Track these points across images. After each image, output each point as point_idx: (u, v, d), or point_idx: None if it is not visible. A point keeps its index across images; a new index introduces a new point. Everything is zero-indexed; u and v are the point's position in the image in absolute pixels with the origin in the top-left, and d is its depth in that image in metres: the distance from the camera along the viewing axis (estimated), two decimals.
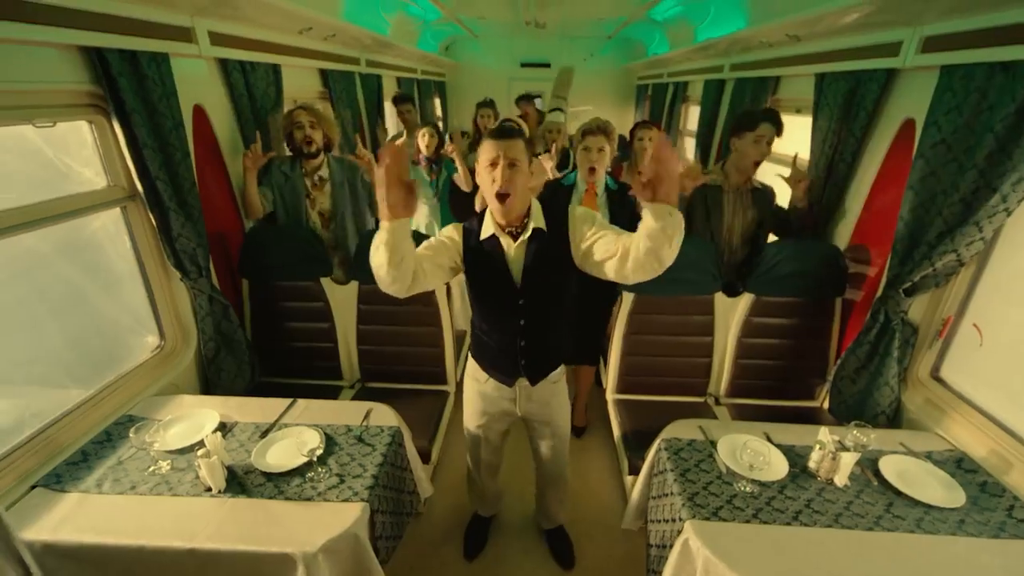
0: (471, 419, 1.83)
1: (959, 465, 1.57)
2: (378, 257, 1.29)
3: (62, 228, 1.68)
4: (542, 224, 1.48)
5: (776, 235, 2.44)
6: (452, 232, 1.53)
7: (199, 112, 2.11)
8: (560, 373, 1.75)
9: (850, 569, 1.22)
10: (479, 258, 1.51)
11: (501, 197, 1.38)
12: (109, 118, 1.70)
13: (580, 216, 1.49)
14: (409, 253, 1.31)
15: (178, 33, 1.88)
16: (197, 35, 1.96)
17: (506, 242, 1.48)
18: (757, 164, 2.28)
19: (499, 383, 1.69)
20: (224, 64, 2.23)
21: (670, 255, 1.23)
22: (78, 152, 1.75)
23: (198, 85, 2.10)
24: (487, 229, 1.49)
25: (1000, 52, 1.45)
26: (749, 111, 2.52)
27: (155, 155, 1.78)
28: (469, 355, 1.77)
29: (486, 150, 1.39)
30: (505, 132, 1.40)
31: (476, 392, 1.77)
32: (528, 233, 1.47)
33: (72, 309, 1.84)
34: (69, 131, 1.72)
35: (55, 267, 1.77)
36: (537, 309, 1.56)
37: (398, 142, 1.22)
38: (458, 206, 3.47)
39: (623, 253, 1.32)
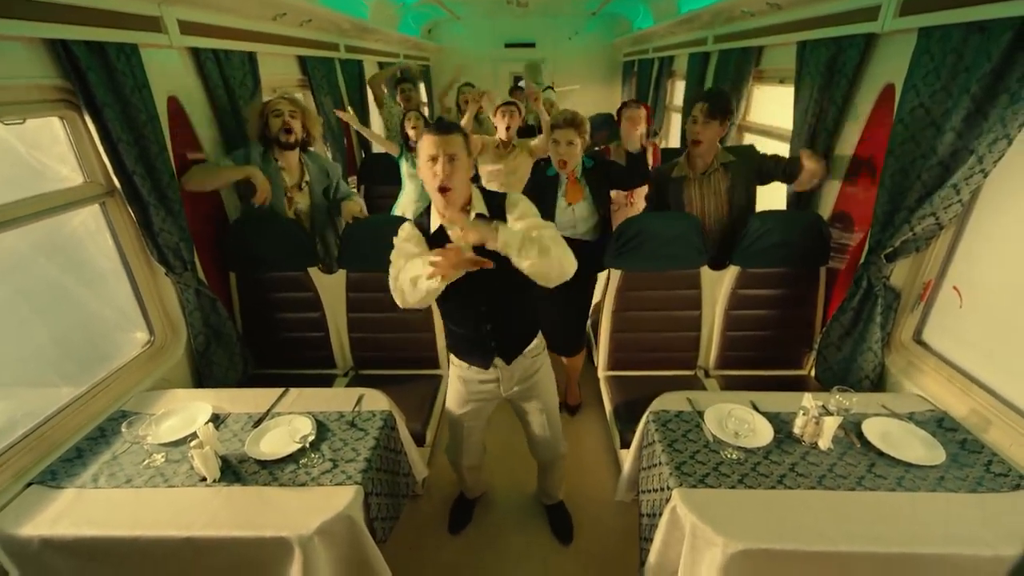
0: (455, 406, 1.85)
1: (940, 424, 1.60)
2: (413, 299, 1.44)
3: (41, 226, 1.66)
4: (483, 210, 1.53)
5: (782, 179, 2.30)
6: (410, 231, 1.58)
7: (174, 103, 2.07)
8: (539, 347, 1.77)
9: (833, 527, 1.26)
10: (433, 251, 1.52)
11: (443, 191, 1.44)
12: (80, 113, 1.67)
13: (512, 201, 1.55)
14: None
15: (146, 23, 1.83)
16: (166, 24, 1.92)
17: (453, 232, 1.50)
18: (696, 143, 2.25)
19: (478, 367, 1.72)
20: (197, 54, 2.19)
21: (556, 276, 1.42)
22: (51, 148, 1.73)
23: (171, 76, 2.07)
24: (435, 221, 1.55)
25: (975, 12, 1.44)
26: (691, 98, 2.54)
27: (131, 149, 1.75)
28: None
29: (425, 146, 1.44)
30: (443, 127, 1.45)
31: (459, 378, 1.80)
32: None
33: (56, 308, 1.83)
34: (41, 127, 1.70)
35: (36, 266, 1.75)
36: (495, 293, 1.59)
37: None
38: None
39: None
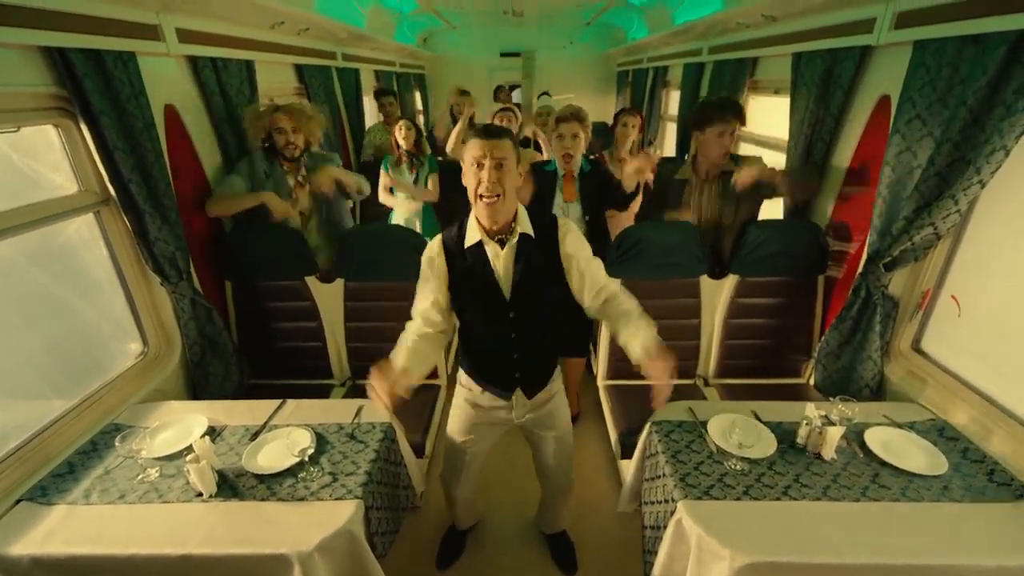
0: (459, 432, 1.71)
1: (941, 433, 1.60)
2: None
3: (34, 235, 1.63)
4: (529, 230, 1.42)
5: (778, 194, 2.32)
6: (432, 252, 1.48)
7: (171, 112, 2.05)
8: (556, 374, 1.68)
9: (839, 539, 1.25)
10: (464, 268, 1.44)
11: (488, 199, 1.34)
12: (76, 121, 1.65)
13: (568, 237, 1.46)
14: (432, 358, 1.51)
15: (144, 31, 1.82)
16: (164, 32, 1.91)
17: (492, 249, 1.42)
18: (724, 156, 2.25)
19: (494, 395, 1.62)
20: (194, 62, 2.18)
21: None
22: (46, 156, 1.70)
23: (168, 84, 2.05)
24: (472, 235, 1.42)
25: (970, 25, 1.47)
26: (708, 104, 2.37)
27: (127, 157, 1.73)
28: (460, 368, 1.69)
29: (471, 149, 1.34)
30: (492, 131, 1.35)
31: (468, 402, 1.67)
32: (515, 238, 1.40)
33: (49, 318, 1.80)
34: (35, 135, 1.67)
35: (29, 275, 1.72)
36: (529, 319, 1.48)
37: None
38: (441, 204, 3.44)
39: (600, 308, 1.51)
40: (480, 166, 1.33)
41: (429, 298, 1.51)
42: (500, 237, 1.42)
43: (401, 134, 3.18)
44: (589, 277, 1.48)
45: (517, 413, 1.65)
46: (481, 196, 1.34)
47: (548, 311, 1.53)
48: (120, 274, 1.93)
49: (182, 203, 1.99)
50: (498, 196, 1.33)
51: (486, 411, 1.66)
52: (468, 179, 1.37)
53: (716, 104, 2.27)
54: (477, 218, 1.42)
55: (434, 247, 1.49)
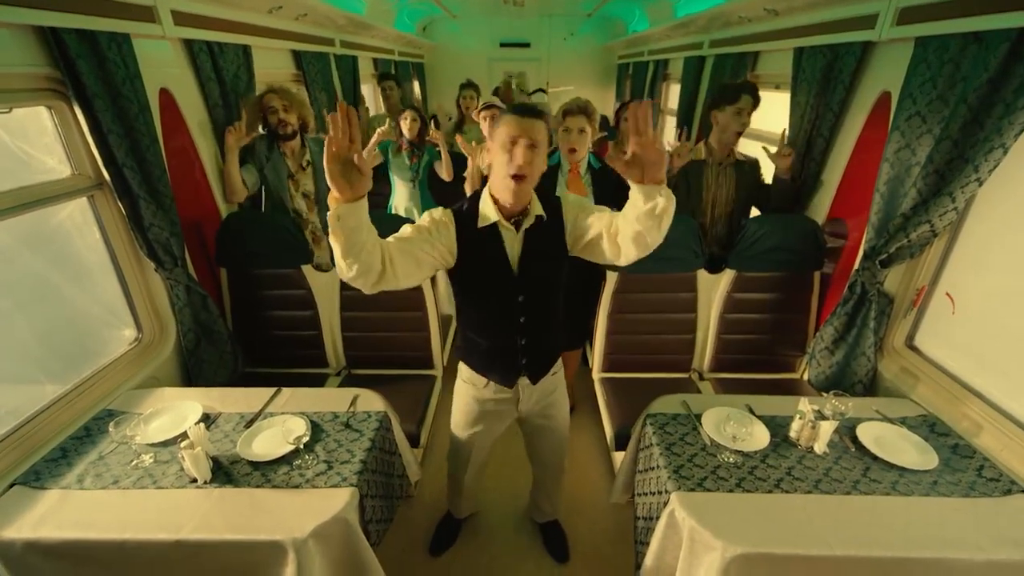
0: (463, 427, 1.71)
1: (932, 429, 1.62)
2: (334, 245, 1.14)
3: (26, 219, 1.61)
4: (541, 211, 1.40)
5: (758, 208, 2.49)
6: (444, 217, 1.38)
7: (166, 96, 2.03)
8: (559, 364, 1.68)
9: (829, 532, 1.26)
10: (477, 249, 1.39)
11: (517, 179, 1.29)
12: (70, 103, 1.63)
13: (574, 202, 1.43)
14: (370, 243, 1.15)
15: (139, 12, 1.79)
16: (160, 14, 1.88)
17: (507, 232, 1.39)
18: (739, 135, 2.34)
19: (499, 386, 1.59)
20: (190, 45, 2.15)
21: (658, 237, 1.21)
22: (38, 139, 1.68)
23: (164, 67, 2.02)
24: (486, 216, 1.37)
25: (972, 22, 1.47)
26: (728, 84, 2.54)
27: (121, 141, 1.71)
28: (460, 361, 1.65)
29: (507, 126, 1.28)
30: (530, 111, 1.30)
31: (472, 398, 1.65)
32: (531, 220, 1.38)
33: (41, 303, 1.78)
34: (27, 117, 1.65)
35: (21, 260, 1.70)
36: (537, 303, 1.47)
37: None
38: (439, 193, 3.43)
39: (614, 232, 1.29)
40: (514, 143, 1.28)
41: (406, 243, 1.31)
42: (516, 219, 1.39)
43: (407, 125, 3.19)
44: (595, 222, 1.35)
45: (523, 404, 1.63)
46: (511, 175, 1.29)
47: (554, 294, 1.52)
48: (114, 260, 1.92)
49: (177, 189, 1.97)
50: (526, 177, 1.29)
51: (491, 404, 1.64)
52: (497, 157, 1.31)
53: (737, 84, 2.40)
54: (496, 199, 1.36)
55: (445, 215, 1.39)
